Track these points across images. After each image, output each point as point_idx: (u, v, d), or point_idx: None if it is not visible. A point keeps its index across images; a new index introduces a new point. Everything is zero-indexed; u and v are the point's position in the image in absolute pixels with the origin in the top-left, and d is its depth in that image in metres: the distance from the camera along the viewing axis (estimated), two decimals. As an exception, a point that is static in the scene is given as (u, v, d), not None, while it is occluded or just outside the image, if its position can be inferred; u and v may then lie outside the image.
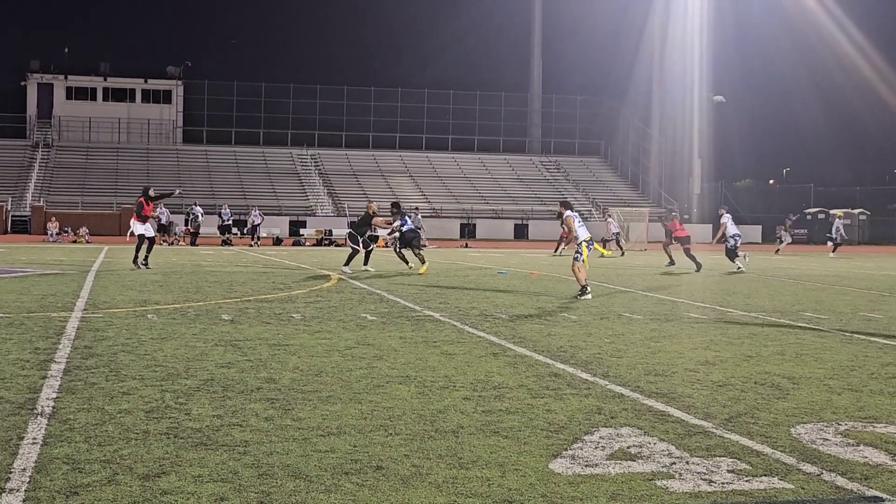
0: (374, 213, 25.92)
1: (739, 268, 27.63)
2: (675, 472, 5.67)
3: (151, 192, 25.91)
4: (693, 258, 27.91)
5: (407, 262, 25.73)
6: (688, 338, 11.96)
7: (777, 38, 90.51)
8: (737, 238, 28.04)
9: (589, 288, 17.53)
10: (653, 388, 8.36)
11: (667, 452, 6.10)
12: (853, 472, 5.75)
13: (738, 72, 76.78)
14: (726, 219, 28.55)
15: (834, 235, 45.40)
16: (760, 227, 70.35)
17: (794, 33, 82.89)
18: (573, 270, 17.73)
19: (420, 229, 46.66)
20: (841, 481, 5.56)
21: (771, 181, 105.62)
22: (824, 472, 5.74)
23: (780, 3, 75.59)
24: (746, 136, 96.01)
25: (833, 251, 44.83)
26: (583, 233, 17.78)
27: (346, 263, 25.13)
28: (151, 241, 25.52)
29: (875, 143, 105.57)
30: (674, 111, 73.40)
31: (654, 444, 6.32)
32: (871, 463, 5.95)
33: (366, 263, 25.36)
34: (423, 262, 25.29)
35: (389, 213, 26.71)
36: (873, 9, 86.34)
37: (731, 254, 27.98)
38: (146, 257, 24.91)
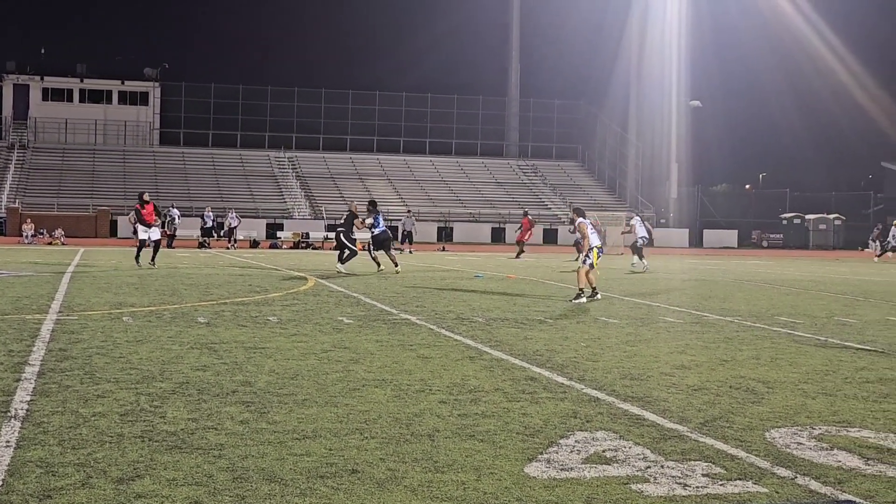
0: (356, 212, 26.06)
1: (646, 266, 29.75)
2: (650, 476, 5.68)
3: (146, 197, 26.52)
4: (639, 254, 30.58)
5: (379, 265, 25.77)
6: (664, 342, 12.01)
7: (755, 44, 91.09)
8: (644, 239, 30.69)
9: (585, 294, 17.72)
10: (628, 391, 8.38)
11: (642, 456, 6.12)
12: (827, 476, 5.78)
13: (715, 77, 77.23)
14: (636, 221, 32.00)
15: (893, 241, 46.16)
16: (736, 231, 70.70)
17: (771, 39, 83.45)
18: (578, 274, 18.00)
19: (412, 233, 46.93)
20: (815, 485, 5.59)
21: (747, 186, 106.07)
22: (798, 476, 5.77)
23: (758, 9, 76.03)
24: (724, 141, 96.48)
25: (879, 255, 45.71)
26: (594, 239, 18.10)
27: (343, 262, 25.34)
28: (157, 243, 26.32)
29: (851, 149, 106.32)
30: (651, 116, 73.67)
31: (630, 448, 6.34)
32: (844, 467, 5.99)
33: (343, 263, 25.45)
34: (395, 264, 25.50)
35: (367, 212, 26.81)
36: (850, 14, 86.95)
37: (638, 251, 30.48)
38: (153, 258, 25.87)
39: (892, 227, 46.89)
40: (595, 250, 17.92)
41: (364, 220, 26.27)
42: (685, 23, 71.17)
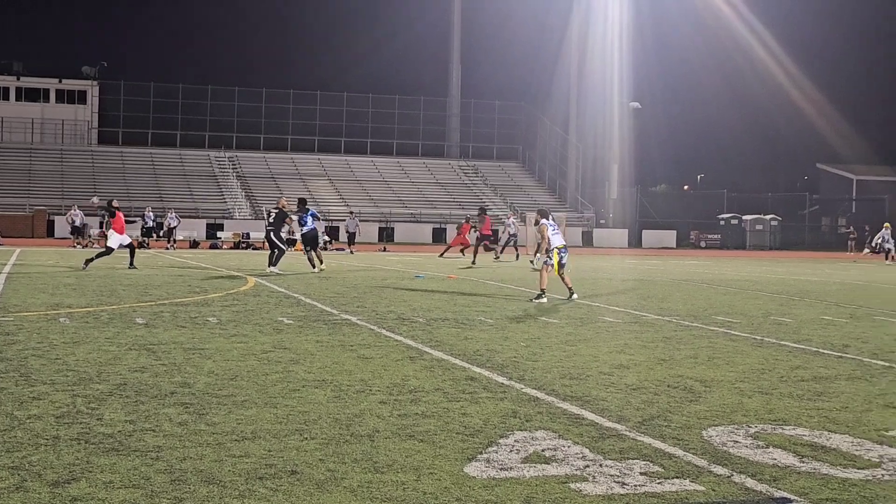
0: (285, 209, 25.96)
1: (498, 258, 34.63)
2: (589, 474, 5.72)
3: (115, 203, 26.65)
4: (476, 255, 34.28)
5: (314, 266, 25.78)
6: (603, 342, 12.09)
7: (694, 47, 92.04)
8: (514, 237, 37.08)
9: (546, 294, 17.90)
10: (568, 391, 8.43)
11: (581, 455, 6.16)
12: (762, 473, 5.86)
13: (656, 79, 78.00)
14: (510, 221, 38.89)
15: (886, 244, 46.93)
16: (675, 231, 71.40)
17: (711, 42, 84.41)
18: (541, 275, 18.14)
19: (355, 234, 46.79)
20: (750, 483, 5.66)
21: (686, 187, 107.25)
22: (734, 473, 5.83)
23: (698, 12, 76.88)
24: (663, 143, 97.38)
25: (887, 258, 46.23)
26: (556, 240, 18.25)
27: (274, 264, 25.12)
28: (131, 246, 26.44)
29: (787, 150, 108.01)
30: (592, 117, 74.18)
31: (569, 447, 6.38)
32: (779, 464, 6.07)
33: (273, 265, 25.28)
34: (320, 261, 25.67)
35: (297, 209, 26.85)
36: (789, 18, 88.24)
37: (505, 246, 36.78)
38: (131, 262, 25.98)
39: (884, 230, 47.69)
40: (556, 251, 18.10)
41: (292, 217, 26.27)
42: (626, 25, 71.79)
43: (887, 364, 10.54)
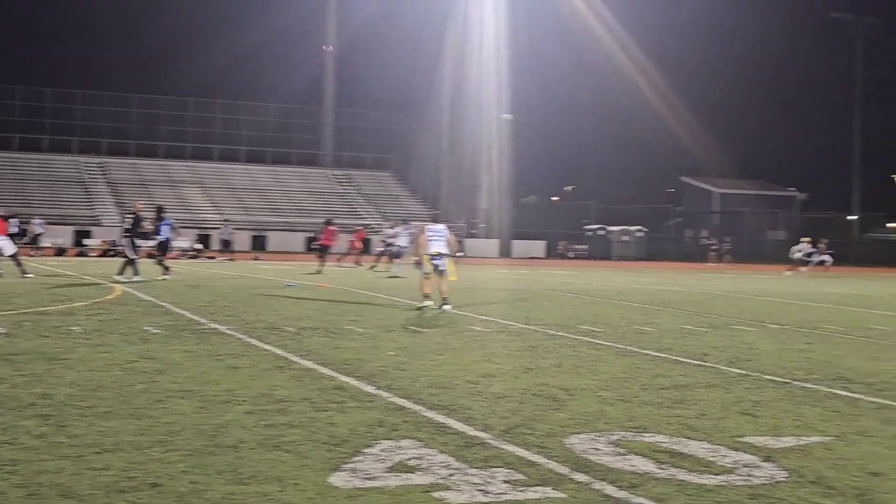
0: (141, 214, 25.61)
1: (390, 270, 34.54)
2: (453, 483, 5.79)
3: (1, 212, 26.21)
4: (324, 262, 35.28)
5: (163, 272, 25.59)
6: (471, 350, 12.22)
7: (565, 59, 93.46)
8: (393, 248, 36.48)
9: (430, 299, 18.17)
10: (434, 400, 8.51)
11: (445, 464, 6.22)
12: (622, 480, 5.99)
13: (529, 91, 78.76)
14: (393, 231, 38.46)
15: (811, 258, 47.81)
16: (545, 242, 72.37)
17: (580, 55, 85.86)
18: (421, 282, 18.48)
19: (230, 241, 46.24)
20: (610, 489, 5.79)
21: (555, 198, 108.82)
22: (595, 480, 5.96)
23: (571, 28, 78.21)
24: (535, 154, 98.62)
25: (805, 268, 46.97)
26: (430, 247, 18.54)
27: (121, 272, 24.65)
28: (15, 255, 25.86)
29: (654, 164, 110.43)
30: (465, 128, 74.72)
31: (434, 455, 6.44)
32: (638, 471, 6.22)
33: (126, 274, 24.82)
34: (165, 269, 25.40)
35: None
36: (656, 34, 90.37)
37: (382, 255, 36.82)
38: (23, 271, 25.23)
39: (801, 244, 48.89)
40: (427, 258, 18.33)
41: (144, 225, 25.98)
42: (501, 38, 72.53)
43: (743, 372, 10.90)
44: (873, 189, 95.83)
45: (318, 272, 33.02)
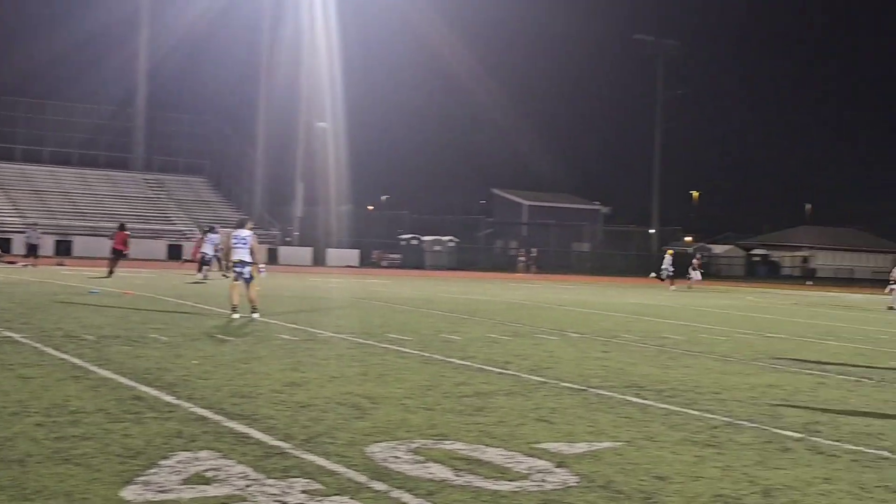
0: None
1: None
2: (249, 494, 5.74)
3: None
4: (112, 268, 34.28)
5: None
6: (277, 359, 12.12)
7: (384, 72, 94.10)
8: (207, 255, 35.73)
9: (237, 310, 17.86)
10: (236, 409, 8.40)
11: (243, 475, 6.16)
12: (419, 488, 6.06)
13: (344, 100, 78.66)
14: (210, 236, 36.61)
15: (670, 270, 48.53)
16: (359, 251, 72.38)
17: (400, 68, 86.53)
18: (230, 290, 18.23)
19: (37, 246, 44.29)
20: (407, 497, 5.85)
21: (370, 207, 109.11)
22: (393, 489, 6.01)
23: (390, 41, 78.60)
24: (351, 163, 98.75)
25: (672, 284, 47.70)
26: (234, 254, 18.17)
27: None
28: None
29: (467, 175, 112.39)
30: (281, 135, 74.09)
31: (232, 466, 6.36)
32: (436, 479, 6.30)
33: None
34: None
35: None
36: (473, 50, 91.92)
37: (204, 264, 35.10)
38: None
39: (666, 256, 49.84)
40: (232, 265, 18.13)
41: None
42: (320, 47, 72.19)
43: (543, 380, 11.20)
44: (671, 204, 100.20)
45: (109, 276, 32.66)
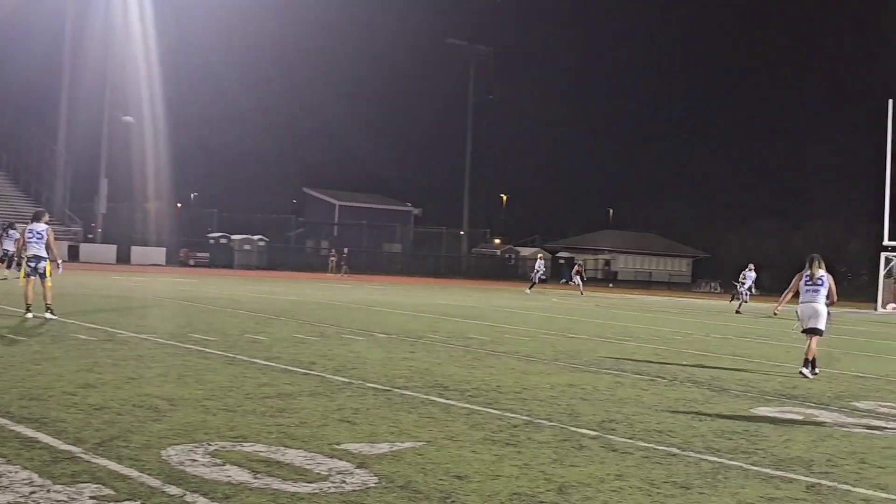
0: None
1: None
2: (34, 501, 5.50)
3: None
4: None
5: None
6: (72, 360, 11.68)
7: (193, 67, 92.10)
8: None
9: (31, 309, 17.11)
10: (25, 413, 8.04)
11: (28, 481, 5.90)
12: (216, 491, 5.93)
13: (152, 94, 76.56)
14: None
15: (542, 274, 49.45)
16: (165, 249, 70.72)
17: (210, 63, 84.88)
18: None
19: None
20: (202, 501, 5.72)
21: (179, 204, 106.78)
22: (188, 493, 5.86)
23: (205, 31, 77.02)
24: (159, 159, 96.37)
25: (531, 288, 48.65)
26: (29, 249, 17.45)
27: None
28: None
29: (279, 174, 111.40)
30: (84, 129, 71.54)
31: (16, 472, 6.08)
32: (233, 482, 6.18)
33: None
34: None
35: None
36: (281, 49, 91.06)
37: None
38: None
39: (538, 260, 50.33)
40: (25, 260, 17.29)
41: None
42: (127, 42, 70.12)
43: (347, 380, 11.16)
44: (480, 206, 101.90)
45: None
